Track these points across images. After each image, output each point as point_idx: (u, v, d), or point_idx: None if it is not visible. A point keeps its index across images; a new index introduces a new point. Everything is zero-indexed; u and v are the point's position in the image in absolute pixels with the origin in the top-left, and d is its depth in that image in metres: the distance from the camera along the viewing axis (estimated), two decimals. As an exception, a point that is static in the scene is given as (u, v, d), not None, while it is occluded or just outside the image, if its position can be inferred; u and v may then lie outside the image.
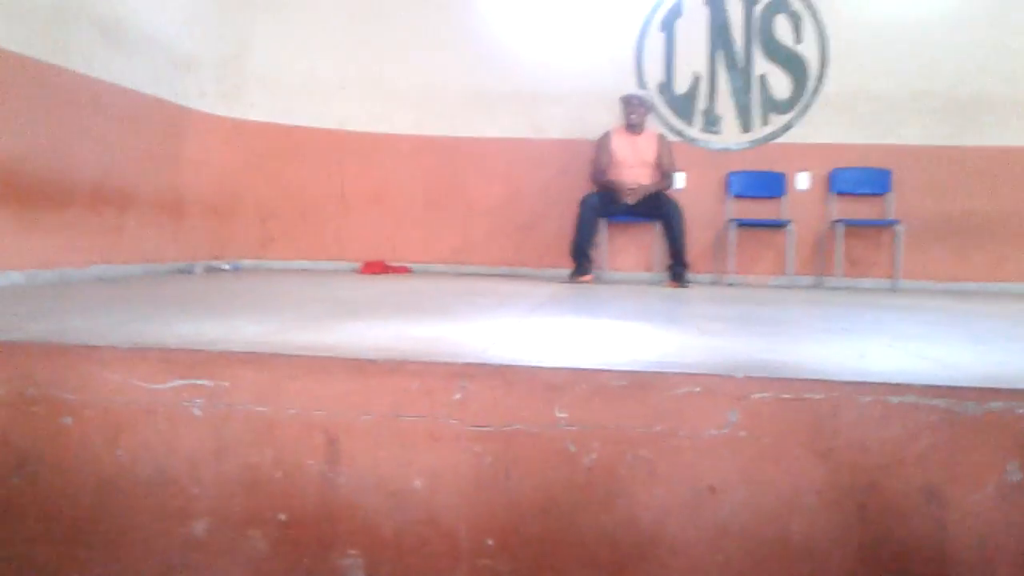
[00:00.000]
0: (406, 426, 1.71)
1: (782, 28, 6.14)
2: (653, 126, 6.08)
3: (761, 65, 6.18)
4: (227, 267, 5.81)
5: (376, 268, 6.09)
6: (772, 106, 6.18)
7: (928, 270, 6.07)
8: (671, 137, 6.14)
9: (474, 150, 6.40)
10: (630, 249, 6.34)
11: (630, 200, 5.70)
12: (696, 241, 6.09)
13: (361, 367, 1.74)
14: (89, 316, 2.56)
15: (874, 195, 6.12)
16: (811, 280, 6.20)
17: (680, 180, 6.19)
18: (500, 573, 1.68)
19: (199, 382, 1.76)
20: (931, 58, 6.01)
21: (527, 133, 6.35)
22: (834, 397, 1.62)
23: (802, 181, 6.20)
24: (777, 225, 6.11)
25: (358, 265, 6.26)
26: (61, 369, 1.81)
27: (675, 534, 1.65)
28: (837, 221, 5.99)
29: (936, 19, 6.00)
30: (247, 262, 6.18)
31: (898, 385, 1.62)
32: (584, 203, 5.75)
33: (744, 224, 6.04)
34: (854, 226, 6.04)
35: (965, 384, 1.64)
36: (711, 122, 6.24)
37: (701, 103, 6.25)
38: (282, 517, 1.73)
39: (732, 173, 6.20)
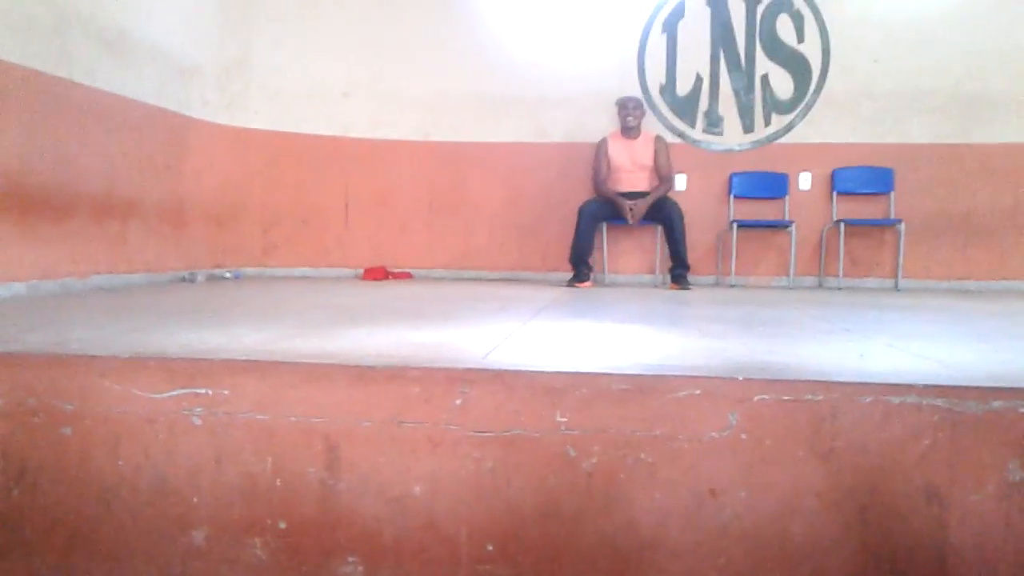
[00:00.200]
0: (406, 432, 1.71)
1: (784, 28, 6.13)
2: (650, 128, 6.08)
3: (763, 65, 6.17)
4: (229, 275, 5.81)
5: (378, 275, 6.09)
6: (774, 106, 6.17)
7: (930, 269, 6.05)
8: (672, 139, 6.14)
9: (476, 155, 6.40)
10: (631, 252, 6.33)
11: (633, 221, 5.72)
12: (698, 243, 6.08)
13: (361, 374, 1.74)
14: (90, 326, 2.56)
15: (876, 194, 6.10)
16: (813, 280, 6.19)
17: (681, 182, 6.18)
18: (501, 579, 1.68)
19: (199, 391, 1.76)
20: (933, 56, 6.00)
21: (529, 137, 6.35)
22: (834, 398, 1.62)
23: (804, 181, 6.18)
24: (779, 226, 6.09)
25: (360, 272, 6.26)
26: (61, 380, 1.81)
27: (676, 537, 1.65)
28: (839, 221, 5.98)
29: (937, 17, 5.99)
30: (249, 270, 6.18)
31: (899, 385, 1.62)
32: (583, 210, 5.76)
33: (746, 225, 6.03)
34: (856, 226, 6.03)
35: (967, 383, 1.63)
36: (713, 123, 6.23)
37: (703, 104, 6.24)
38: (282, 525, 1.73)
39: (734, 174, 6.19)
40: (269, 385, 1.75)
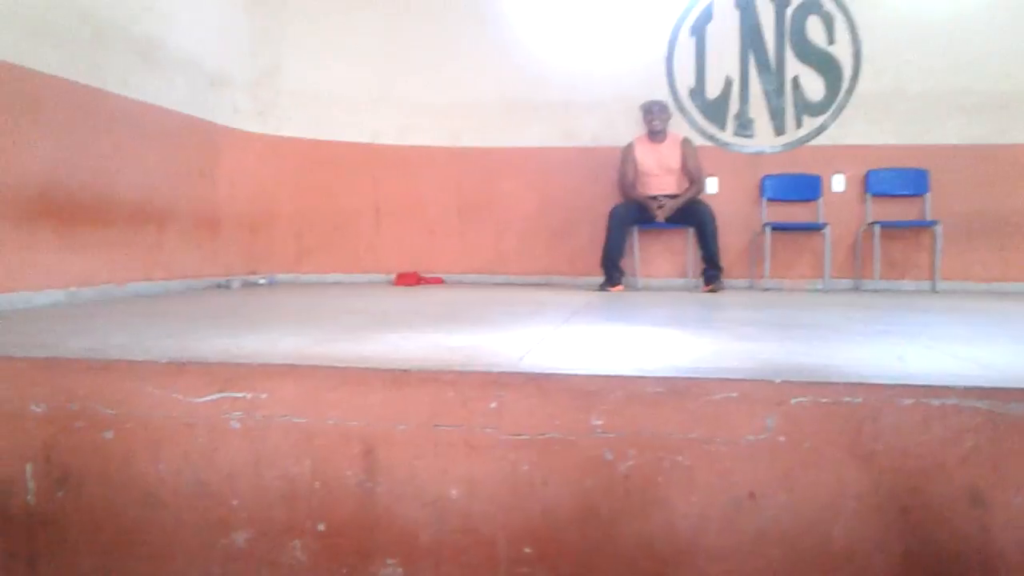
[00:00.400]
0: (443, 435, 1.72)
1: (814, 29, 6.09)
2: (677, 131, 6.06)
3: (794, 67, 6.13)
4: (263, 281, 5.87)
5: (410, 280, 6.13)
6: (806, 108, 6.13)
7: (968, 271, 5.96)
8: (702, 142, 6.11)
9: (505, 159, 6.41)
10: (663, 256, 6.31)
11: (660, 217, 5.72)
12: (730, 246, 6.05)
13: (397, 378, 1.75)
14: (130, 332, 2.60)
15: (911, 196, 6.03)
16: (848, 283, 6.13)
17: (713, 185, 6.15)
18: (539, 581, 1.68)
19: (237, 395, 1.78)
20: (967, 55, 5.93)
21: (558, 141, 6.35)
22: (874, 400, 1.60)
23: (837, 183, 6.13)
24: (813, 228, 6.04)
25: (392, 277, 6.30)
26: (102, 384, 1.84)
27: (714, 541, 1.64)
28: (874, 223, 5.92)
29: (970, 15, 5.92)
30: (282, 276, 6.24)
31: (939, 387, 1.60)
32: (613, 214, 5.75)
33: (779, 228, 5.99)
34: (891, 228, 5.96)
35: (1008, 385, 1.61)
36: (744, 126, 6.19)
37: (733, 107, 6.21)
38: (321, 527, 1.74)
39: (766, 176, 6.15)
40: (306, 389, 1.77)
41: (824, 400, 1.61)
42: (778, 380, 1.65)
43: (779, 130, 6.16)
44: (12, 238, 3.67)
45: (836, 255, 6.10)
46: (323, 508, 1.74)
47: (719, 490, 1.64)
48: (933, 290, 5.87)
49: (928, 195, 5.97)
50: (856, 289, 6.03)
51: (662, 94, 6.11)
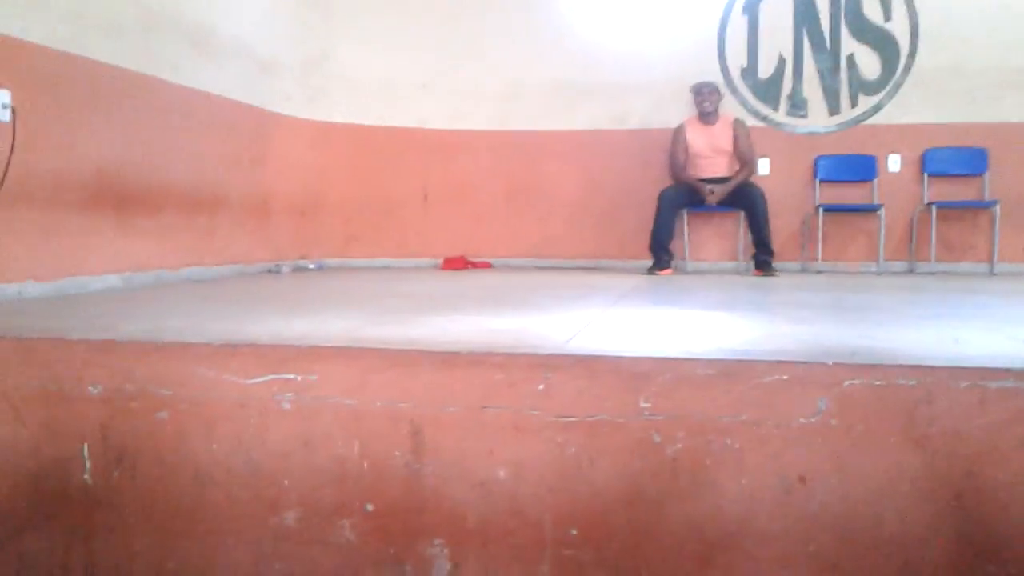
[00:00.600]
0: (490, 417, 1.72)
1: (870, 6, 5.94)
2: (728, 112, 5.97)
3: (849, 45, 5.99)
4: (312, 266, 5.93)
5: (457, 264, 6.14)
6: (861, 87, 5.99)
7: (1029, 253, 5.80)
8: (754, 122, 6.02)
9: (553, 143, 6.38)
10: (713, 239, 6.23)
11: (712, 201, 5.65)
12: (782, 228, 5.95)
13: (446, 359, 1.76)
14: (183, 315, 2.65)
15: (970, 176, 5.88)
16: (904, 266, 5.99)
17: (765, 166, 6.05)
18: (585, 563, 1.68)
19: (288, 376, 1.81)
20: (1027, 31, 5.75)
21: (606, 124, 6.30)
22: (928, 383, 1.57)
23: (893, 163, 5.99)
24: (868, 209, 5.92)
25: (439, 262, 6.32)
26: (157, 366, 1.88)
27: (764, 525, 1.62)
28: (930, 204, 5.78)
29: (1034, -11, 5.73)
30: (331, 261, 6.30)
31: (996, 370, 1.56)
32: (662, 197, 5.69)
33: (833, 209, 5.88)
34: (949, 208, 5.82)
35: (1070, 368, 1.56)
36: (797, 105, 6.08)
37: (786, 86, 6.09)
38: (370, 507, 1.76)
39: (820, 157, 6.03)
40: (356, 371, 1.78)
41: (877, 383, 1.58)
42: (830, 362, 1.62)
43: (833, 109, 6.04)
44: (71, 224, 3.76)
45: (891, 237, 5.97)
46: (371, 488, 1.76)
47: (769, 473, 1.62)
48: (991, 272, 5.72)
49: (987, 175, 5.81)
50: (911, 272, 5.90)
51: (713, 74, 6.02)
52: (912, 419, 1.57)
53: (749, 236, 5.71)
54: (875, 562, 1.57)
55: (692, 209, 5.94)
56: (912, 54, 5.91)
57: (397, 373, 1.77)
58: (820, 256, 5.89)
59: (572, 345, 1.90)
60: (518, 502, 1.71)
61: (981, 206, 5.80)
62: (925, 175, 5.91)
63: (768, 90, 6.11)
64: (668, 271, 5.59)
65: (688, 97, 5.95)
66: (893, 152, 5.98)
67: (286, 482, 1.80)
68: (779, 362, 1.64)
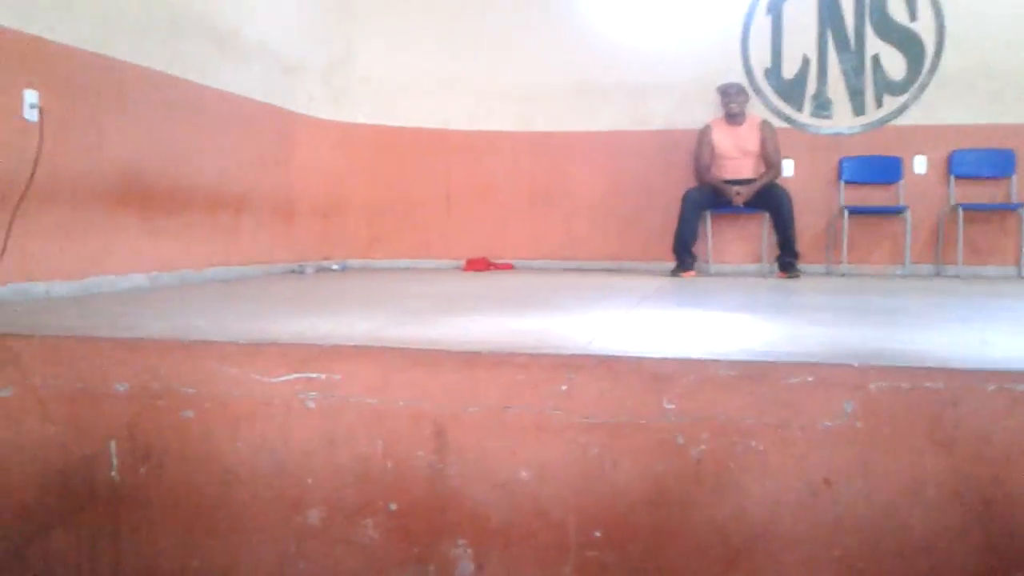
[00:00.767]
0: (513, 418, 1.72)
1: (895, 5, 5.89)
2: (754, 113, 5.93)
3: (874, 45, 5.94)
4: (336, 267, 5.96)
5: (479, 265, 6.15)
6: (886, 87, 5.94)
7: (1058, 255, 5.73)
8: (778, 123, 5.98)
9: (576, 144, 6.37)
10: (737, 241, 6.20)
11: (739, 202, 5.61)
12: (807, 230, 5.90)
13: (468, 359, 1.76)
14: (209, 315, 2.67)
15: (997, 178, 5.81)
16: (930, 268, 5.94)
17: (789, 167, 6.01)
18: (608, 565, 1.68)
19: (312, 375, 1.81)
20: (1058, 30, 5.67)
21: (629, 125, 6.28)
22: (955, 386, 1.55)
23: (919, 165, 5.94)
24: (893, 211, 5.87)
25: (462, 263, 6.32)
26: (183, 364, 1.89)
27: (788, 527, 1.61)
28: (957, 206, 5.72)
29: (1063, -11, 5.66)
30: (354, 262, 6.32)
31: (1025, 373, 1.54)
32: (686, 198, 5.67)
33: (858, 211, 5.83)
34: (976, 211, 5.75)
35: (1101, 371, 1.54)
36: (821, 106, 6.04)
37: (811, 87, 6.05)
38: (393, 507, 1.76)
39: (844, 158, 5.99)
40: (379, 370, 1.79)
41: (904, 385, 1.57)
42: (856, 364, 1.61)
43: (858, 110, 5.99)
44: (98, 224, 3.79)
45: (917, 239, 5.92)
46: (395, 488, 1.76)
47: (793, 476, 1.61)
48: (1019, 275, 5.65)
49: (1015, 177, 5.74)
50: (937, 274, 5.84)
51: (736, 75, 5.99)
52: (939, 422, 1.55)
53: (773, 238, 5.68)
54: (900, 567, 1.56)
55: (716, 211, 5.91)
56: (938, 54, 5.85)
57: (420, 373, 1.77)
58: (845, 259, 5.84)
59: (595, 346, 1.90)
60: (541, 503, 1.70)
61: (1008, 208, 5.73)
62: (951, 177, 5.85)
63: (792, 91, 6.07)
64: (691, 273, 5.57)
65: (711, 98, 5.92)
66: (919, 153, 5.92)
67: (310, 481, 1.80)
68: (804, 363, 1.63)
